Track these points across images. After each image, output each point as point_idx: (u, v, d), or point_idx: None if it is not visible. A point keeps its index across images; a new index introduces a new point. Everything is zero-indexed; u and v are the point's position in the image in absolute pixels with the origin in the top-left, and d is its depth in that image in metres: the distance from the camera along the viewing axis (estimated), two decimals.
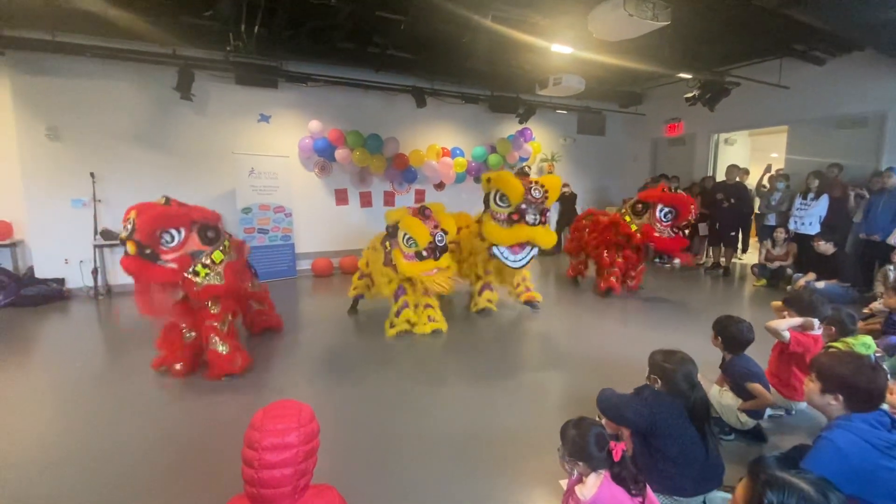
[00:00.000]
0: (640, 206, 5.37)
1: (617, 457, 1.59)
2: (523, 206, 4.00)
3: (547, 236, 4.13)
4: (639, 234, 5.30)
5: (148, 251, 2.90)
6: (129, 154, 5.97)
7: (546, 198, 4.10)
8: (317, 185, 7.36)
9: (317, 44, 6.11)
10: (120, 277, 6.11)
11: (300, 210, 7.05)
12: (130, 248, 2.88)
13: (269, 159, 6.56)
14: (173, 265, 2.97)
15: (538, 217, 4.07)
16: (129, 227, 2.89)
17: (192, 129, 6.33)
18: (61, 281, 5.71)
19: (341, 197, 7.55)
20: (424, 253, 3.71)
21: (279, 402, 1.40)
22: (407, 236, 3.72)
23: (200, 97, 6.14)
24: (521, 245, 4.12)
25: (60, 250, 5.74)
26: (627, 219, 5.45)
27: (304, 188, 7.18)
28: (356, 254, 7.44)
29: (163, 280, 2.95)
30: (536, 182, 4.08)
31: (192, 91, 5.79)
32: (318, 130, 6.94)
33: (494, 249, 4.14)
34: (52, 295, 5.51)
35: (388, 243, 3.93)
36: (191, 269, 3.07)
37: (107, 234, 5.78)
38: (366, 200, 7.74)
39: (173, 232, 2.99)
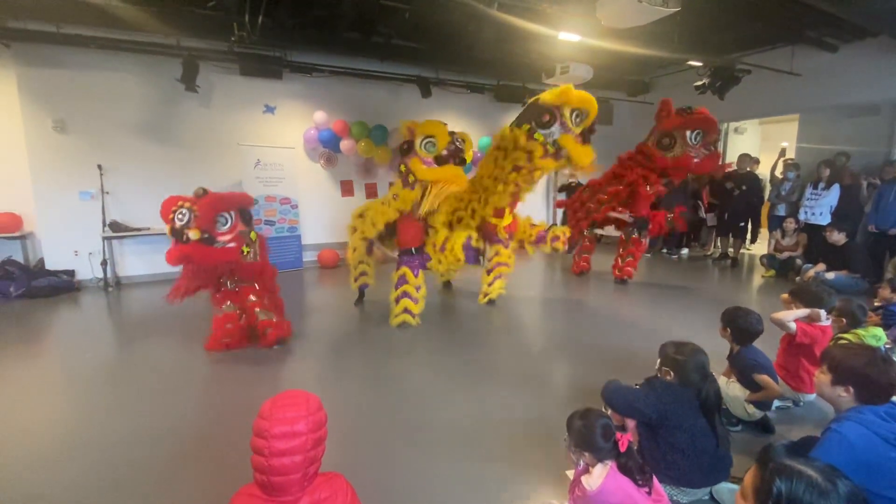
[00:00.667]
0: (666, 139, 5.07)
1: (623, 448, 1.59)
2: (594, 125, 3.96)
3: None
4: (673, 168, 5.12)
5: (206, 236, 3.12)
6: (135, 146, 6.00)
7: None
8: (322, 177, 7.36)
9: (321, 33, 6.06)
10: (129, 269, 6.18)
11: (306, 201, 7.06)
12: (195, 234, 3.07)
13: (275, 150, 6.55)
14: (232, 244, 3.24)
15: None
16: (186, 216, 3.10)
17: (198, 121, 6.33)
18: (71, 273, 5.78)
19: (347, 188, 7.55)
20: (445, 153, 3.59)
21: (287, 391, 1.42)
22: (426, 140, 3.63)
23: (205, 88, 6.13)
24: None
25: (70, 242, 5.79)
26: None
27: (309, 179, 7.19)
28: None
29: (228, 258, 3.23)
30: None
31: (196, 83, 5.78)
32: (323, 121, 6.92)
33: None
34: (63, 286, 5.58)
35: (402, 166, 3.80)
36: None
37: (115, 227, 5.83)
38: (371, 192, 7.73)
39: (226, 215, 3.24)
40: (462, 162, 3.80)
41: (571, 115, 3.82)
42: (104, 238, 5.78)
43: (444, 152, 3.60)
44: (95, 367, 3.46)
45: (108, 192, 5.83)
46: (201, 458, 2.30)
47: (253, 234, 3.53)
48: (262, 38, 5.41)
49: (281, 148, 6.62)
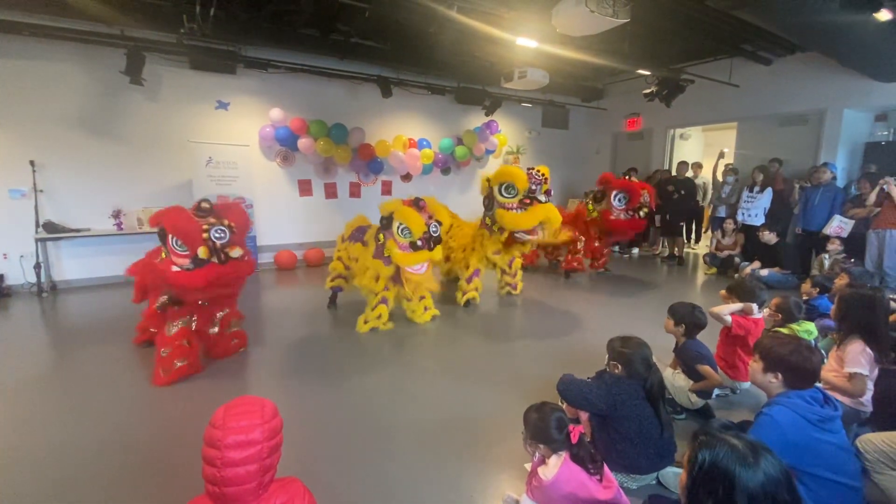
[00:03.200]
0: (599, 193, 5.93)
1: (574, 439, 1.66)
2: (533, 187, 4.31)
3: (556, 212, 4.45)
4: (597, 220, 5.92)
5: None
6: (73, 141, 5.60)
7: (545, 179, 4.43)
8: (279, 176, 7.17)
9: (277, 28, 5.91)
10: (66, 273, 5.77)
11: (262, 201, 6.85)
12: (238, 253, 2.95)
13: (228, 148, 6.31)
14: (246, 257, 3.12)
15: (546, 196, 4.41)
16: (226, 233, 2.94)
17: (144, 116, 6.00)
18: (0, 277, 5.34)
19: (305, 188, 7.38)
20: (419, 243, 3.74)
21: (240, 398, 1.36)
22: (402, 226, 3.75)
23: (152, 82, 5.82)
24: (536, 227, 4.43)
25: None
26: (590, 207, 5.96)
27: (265, 178, 6.97)
28: (321, 246, 7.33)
29: (251, 271, 3.14)
30: (532, 168, 4.41)
31: (142, 75, 5.48)
32: (279, 119, 6.74)
33: (517, 235, 4.46)
34: None
35: (381, 235, 3.89)
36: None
37: (50, 227, 5.42)
38: (331, 192, 7.60)
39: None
40: (438, 240, 3.93)
41: (500, 189, 4.37)
42: (37, 240, 5.36)
43: (419, 242, 3.75)
44: (28, 377, 3.21)
45: (41, 191, 5.42)
46: (146, 471, 2.19)
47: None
48: (214, 30, 5.19)
49: (235, 146, 6.39)
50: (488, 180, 4.48)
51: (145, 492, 2.04)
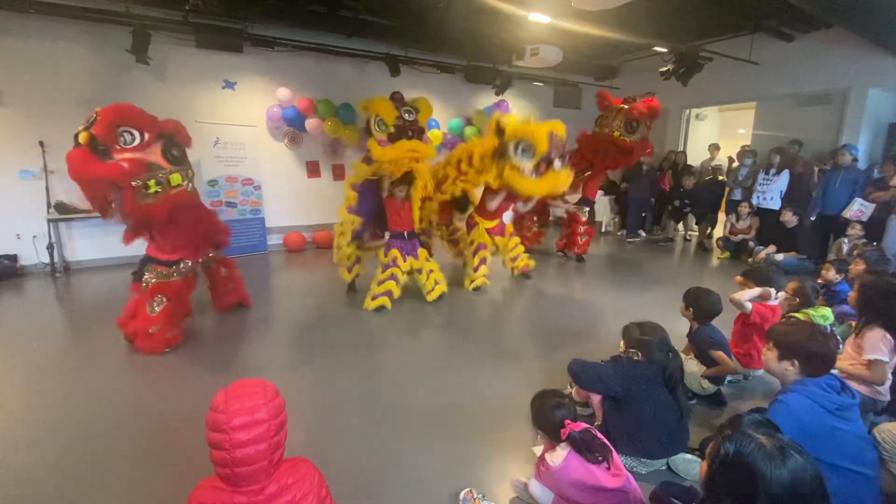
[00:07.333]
0: (632, 124, 5.60)
1: (563, 437, 1.64)
2: (552, 154, 3.87)
3: (569, 179, 4.13)
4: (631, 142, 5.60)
5: (101, 147, 2.76)
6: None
7: (563, 141, 4.08)
8: (287, 157, 7.12)
9: (284, 5, 5.78)
10: (79, 253, 5.83)
11: (270, 182, 6.83)
12: (83, 138, 2.72)
13: (236, 129, 6.27)
14: (124, 164, 2.80)
15: (563, 161, 4.04)
16: (92, 118, 2.78)
17: (151, 96, 5.94)
18: (13, 257, 5.40)
19: (313, 169, 7.34)
20: (393, 131, 3.69)
21: (240, 381, 1.36)
22: (377, 119, 3.71)
23: (158, 61, 5.75)
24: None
25: (11, 225, 5.40)
26: (617, 133, 5.67)
27: (273, 159, 6.93)
28: (330, 228, 7.32)
29: (106, 175, 2.74)
30: (553, 131, 3.93)
31: (148, 54, 5.42)
32: (286, 98, 6.66)
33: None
34: (5, 272, 5.21)
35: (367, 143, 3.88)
36: (141, 181, 2.88)
37: (62, 208, 5.45)
38: (339, 173, 7.55)
39: (135, 132, 2.88)
40: (418, 132, 3.80)
41: (516, 148, 3.87)
42: (49, 220, 5.40)
43: (392, 129, 3.65)
44: (43, 356, 3.28)
45: (52, 172, 5.43)
46: (163, 449, 2.22)
47: (175, 178, 3.05)
48: (219, 8, 5.10)
49: (242, 126, 6.34)
50: (501, 130, 3.96)
51: (161, 469, 2.08)
